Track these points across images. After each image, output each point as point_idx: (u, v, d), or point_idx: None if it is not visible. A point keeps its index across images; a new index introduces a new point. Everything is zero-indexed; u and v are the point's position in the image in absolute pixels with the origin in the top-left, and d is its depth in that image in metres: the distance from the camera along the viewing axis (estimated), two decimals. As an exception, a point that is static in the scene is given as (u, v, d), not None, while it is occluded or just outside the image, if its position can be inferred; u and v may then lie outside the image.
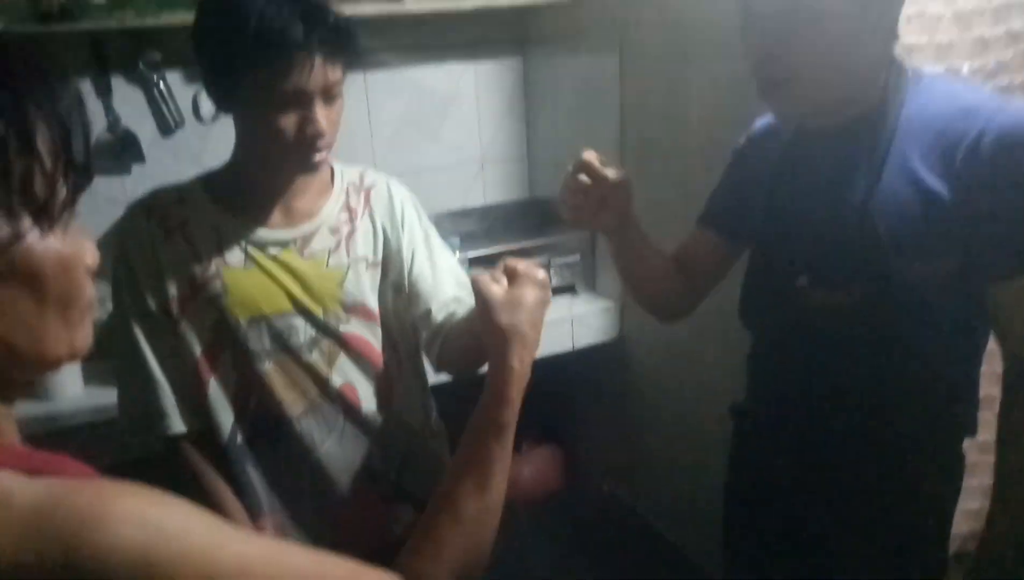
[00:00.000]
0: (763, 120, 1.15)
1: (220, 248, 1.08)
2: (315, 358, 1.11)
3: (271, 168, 1.07)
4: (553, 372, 1.99)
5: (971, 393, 1.04)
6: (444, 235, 1.96)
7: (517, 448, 2.11)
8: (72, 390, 1.65)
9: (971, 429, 1.05)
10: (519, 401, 0.74)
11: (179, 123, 1.92)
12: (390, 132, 2.16)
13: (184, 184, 1.12)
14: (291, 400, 1.10)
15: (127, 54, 1.84)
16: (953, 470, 1.08)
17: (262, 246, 1.09)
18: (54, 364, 0.55)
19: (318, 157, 1.03)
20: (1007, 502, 0.92)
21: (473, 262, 1.93)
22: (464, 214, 2.26)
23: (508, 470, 0.72)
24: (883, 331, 0.96)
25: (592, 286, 2.12)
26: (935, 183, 0.90)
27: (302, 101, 0.98)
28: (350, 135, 2.16)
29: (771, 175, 1.08)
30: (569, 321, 1.98)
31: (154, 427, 1.09)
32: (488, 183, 2.34)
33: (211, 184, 1.11)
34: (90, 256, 0.55)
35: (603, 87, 1.90)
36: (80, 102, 0.54)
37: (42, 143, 0.49)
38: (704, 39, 1.58)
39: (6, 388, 0.55)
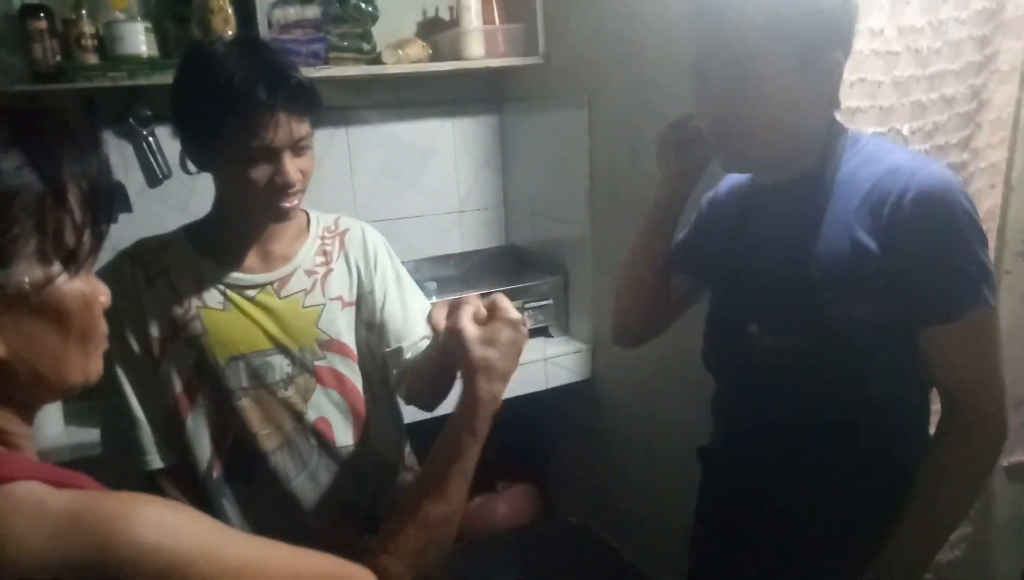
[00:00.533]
0: (726, 179, 1.22)
1: (200, 291, 1.14)
2: (291, 394, 1.17)
3: (247, 217, 1.13)
4: (528, 410, 2.06)
5: (920, 421, 1.09)
6: (422, 280, 2.05)
7: (493, 487, 2.16)
8: (53, 429, 1.70)
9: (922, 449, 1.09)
10: (485, 429, 0.78)
11: (166, 174, 1.99)
12: (371, 183, 2.24)
13: (168, 233, 1.19)
14: (266, 435, 1.15)
15: (117, 109, 1.91)
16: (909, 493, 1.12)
17: (240, 289, 1.15)
18: (72, 389, 0.61)
19: (288, 205, 1.10)
20: (915, 524, 1.00)
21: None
22: (442, 260, 2.33)
23: (467, 484, 0.77)
24: (825, 373, 1.01)
25: (565, 329, 2.19)
26: (865, 237, 0.97)
27: (271, 155, 1.05)
28: (333, 186, 2.26)
29: (728, 226, 1.15)
30: (543, 362, 2.05)
31: (135, 462, 1.13)
32: (465, 231, 2.42)
33: (193, 233, 1.18)
34: (104, 296, 0.62)
35: (573, 141, 1.99)
36: (106, 162, 0.61)
37: (73, 198, 0.56)
38: (667, 96, 1.68)
39: (28, 410, 0.61)
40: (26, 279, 0.54)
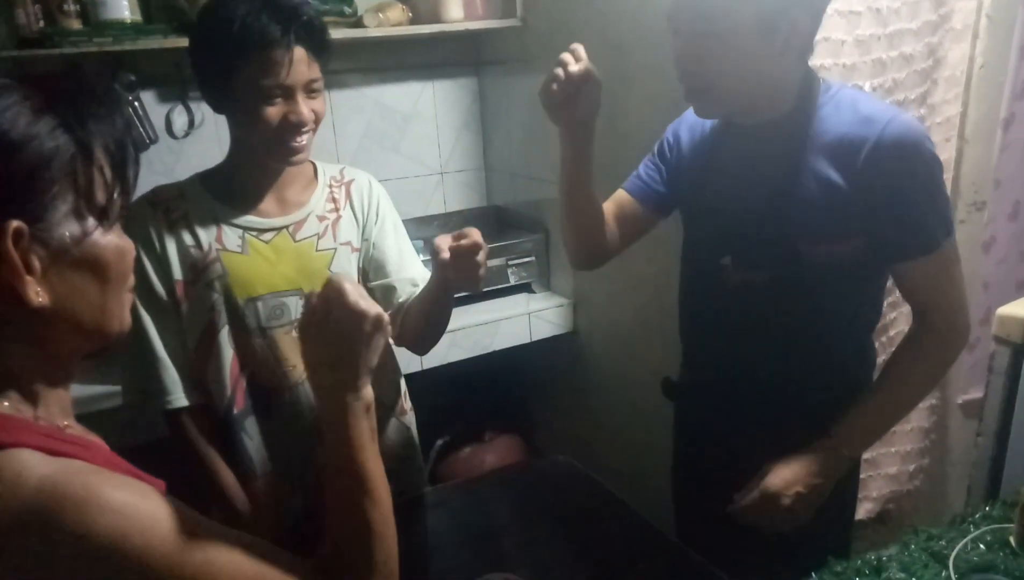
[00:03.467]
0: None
1: (219, 236, 1.19)
2: None
3: (261, 160, 1.19)
4: (513, 362, 2.15)
5: (868, 354, 1.22)
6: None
7: (481, 438, 2.26)
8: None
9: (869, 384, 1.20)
10: (342, 419, 0.70)
11: (153, 139, 2.01)
12: (354, 146, 2.29)
13: (183, 181, 1.24)
14: (283, 372, 1.22)
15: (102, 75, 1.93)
16: None
17: (258, 232, 1.21)
18: (110, 337, 0.66)
19: (299, 144, 1.14)
20: (880, 398, 1.14)
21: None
22: (426, 221, 2.39)
23: (362, 469, 0.71)
24: (793, 305, 1.11)
25: (547, 285, 2.28)
26: (838, 178, 1.05)
27: (285, 93, 1.10)
28: (317, 149, 2.30)
29: (700, 162, 1.21)
30: (526, 316, 2.13)
31: (157, 402, 1.19)
32: (448, 192, 2.48)
33: (208, 180, 1.23)
34: (132, 248, 0.67)
35: (552, 103, 2.05)
36: (129, 123, 0.66)
37: (102, 157, 0.60)
38: (641, 60, 1.74)
39: (64, 366, 0.65)
40: (67, 233, 0.58)
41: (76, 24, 1.77)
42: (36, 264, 0.57)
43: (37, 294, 0.57)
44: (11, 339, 0.60)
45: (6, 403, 0.60)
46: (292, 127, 1.12)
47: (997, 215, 1.94)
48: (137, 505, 0.57)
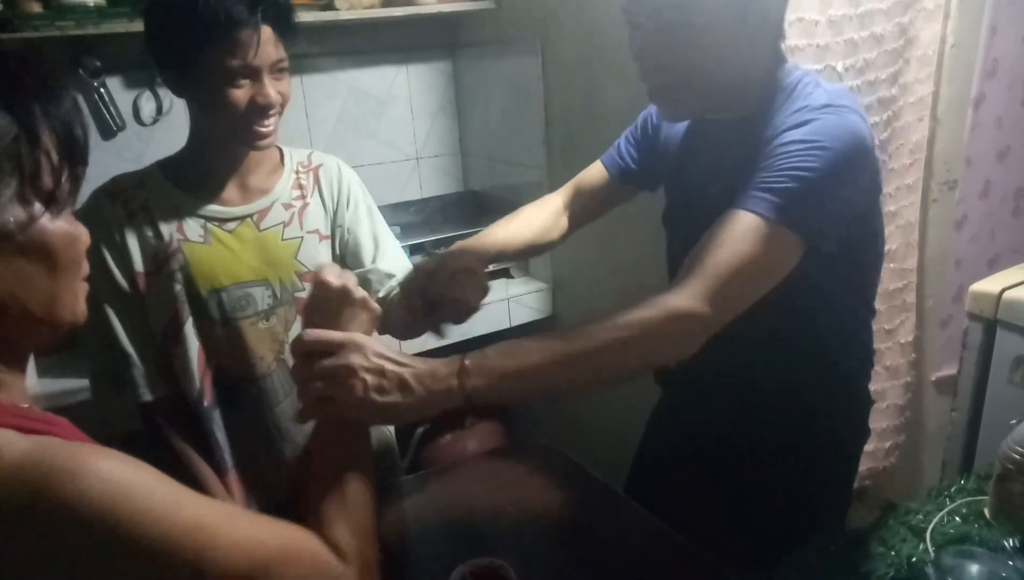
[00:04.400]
0: None
1: (180, 225, 1.15)
2: (272, 323, 1.20)
3: (224, 145, 1.15)
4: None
5: (863, 340, 1.16)
6: (385, 226, 2.08)
7: (462, 424, 2.25)
8: (28, 381, 1.70)
9: (867, 373, 1.18)
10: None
11: (120, 126, 1.97)
12: (328, 131, 2.25)
13: (142, 170, 1.19)
14: (250, 363, 1.19)
15: (66, 60, 1.87)
16: (857, 411, 1.18)
17: (220, 221, 1.17)
18: (62, 326, 0.63)
19: (266, 129, 1.10)
20: None
21: (413, 249, 2.06)
22: (403, 206, 2.37)
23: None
24: (771, 298, 1.01)
25: (526, 270, 2.27)
26: None
27: (251, 75, 1.06)
28: (290, 135, 2.26)
29: (675, 157, 1.17)
30: (506, 301, 2.13)
31: (125, 395, 1.16)
32: (424, 177, 2.45)
33: (168, 168, 1.19)
34: (85, 236, 0.64)
35: (528, 87, 2.03)
36: (77, 105, 0.62)
37: (48, 141, 0.58)
38: (619, 42, 1.71)
39: (19, 354, 0.64)
40: (11, 219, 0.56)
41: (37, 7, 1.72)
42: None
43: None
44: None
45: None
46: (259, 110, 1.08)
47: (968, 194, 1.97)
48: (125, 471, 0.56)
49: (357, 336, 0.79)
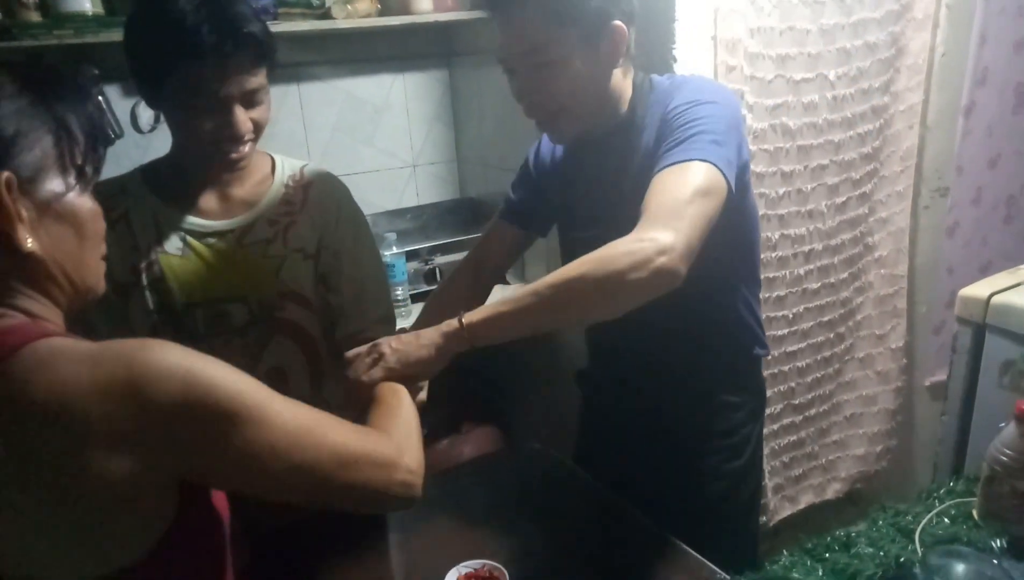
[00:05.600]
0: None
1: (159, 236, 1.12)
2: (248, 341, 1.16)
3: (199, 163, 1.12)
4: (489, 352, 2.14)
5: (748, 321, 1.24)
6: (381, 233, 2.10)
7: (458, 429, 2.26)
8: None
9: (761, 346, 1.27)
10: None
11: (118, 134, 1.97)
12: (326, 139, 2.26)
13: (125, 175, 1.16)
14: None
15: (64, 69, 1.89)
16: (751, 386, 1.29)
17: (200, 235, 1.13)
18: (89, 291, 0.74)
19: (237, 155, 1.08)
20: None
21: (410, 255, 2.07)
22: (399, 213, 2.38)
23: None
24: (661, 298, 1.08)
25: (521, 276, 2.28)
26: (655, 148, 1.07)
27: (219, 105, 1.02)
28: (287, 143, 2.27)
29: (560, 179, 1.26)
30: (501, 309, 2.14)
31: None
32: (420, 185, 2.47)
33: (151, 175, 1.16)
34: (102, 214, 0.75)
35: (523, 94, 2.06)
36: (99, 102, 0.76)
37: (76, 128, 0.70)
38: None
39: (55, 308, 0.72)
40: (50, 189, 0.68)
41: (35, 17, 1.73)
42: (24, 213, 0.65)
43: (27, 239, 0.65)
44: (15, 280, 0.68)
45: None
46: (228, 139, 1.06)
47: (960, 200, 1.99)
48: (195, 353, 0.67)
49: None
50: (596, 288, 0.94)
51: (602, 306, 0.97)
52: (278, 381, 1.19)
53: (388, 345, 1.02)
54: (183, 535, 0.68)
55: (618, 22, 1.06)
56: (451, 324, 1.00)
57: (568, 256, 1.28)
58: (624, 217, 1.06)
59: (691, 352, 1.21)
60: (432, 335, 1.01)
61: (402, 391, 0.97)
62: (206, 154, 1.08)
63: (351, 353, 1.04)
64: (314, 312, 1.22)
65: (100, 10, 1.80)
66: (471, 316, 0.99)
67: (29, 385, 0.61)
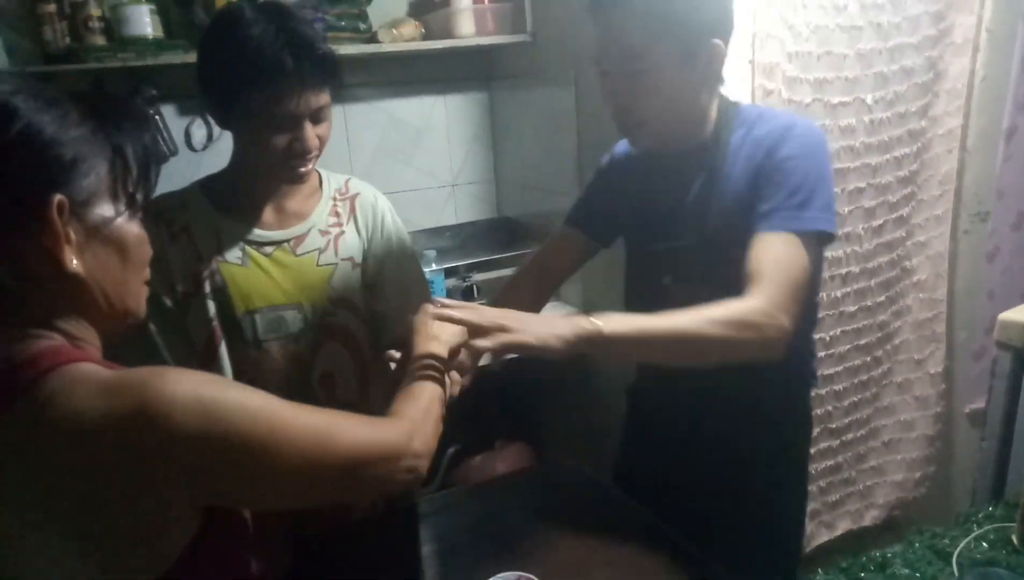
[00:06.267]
0: (623, 144, 1.32)
1: (220, 247, 1.19)
2: (302, 347, 1.22)
3: (263, 177, 1.19)
4: (522, 372, 2.17)
5: (804, 352, 1.23)
6: (420, 250, 2.15)
7: (491, 446, 2.28)
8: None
9: (812, 376, 1.27)
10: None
11: (173, 152, 2.06)
12: (368, 159, 2.34)
13: (184, 189, 1.23)
14: (278, 383, 1.20)
15: (124, 89, 1.97)
16: (803, 416, 1.29)
17: (258, 245, 1.20)
18: (128, 315, 0.75)
19: (304, 169, 1.15)
20: None
21: (448, 273, 2.11)
22: (438, 232, 2.43)
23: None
24: None
25: (557, 294, 2.31)
26: (746, 180, 1.10)
27: (292, 122, 1.10)
28: (331, 162, 2.34)
29: (634, 192, 1.26)
30: (536, 326, 2.16)
31: None
32: (459, 204, 2.52)
33: (209, 189, 1.23)
34: (148, 241, 0.76)
35: (561, 116, 2.08)
36: (155, 132, 0.76)
37: (131, 157, 0.72)
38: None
39: (95, 328, 0.73)
40: (100, 214, 0.69)
41: (100, 40, 1.83)
42: (73, 236, 0.67)
43: (71, 261, 0.67)
44: (58, 301, 0.69)
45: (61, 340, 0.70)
46: (298, 154, 1.12)
47: (1000, 225, 1.97)
48: (211, 379, 0.69)
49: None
50: (719, 348, 1.00)
51: (710, 361, 1.02)
52: (328, 386, 1.25)
53: (516, 317, 0.97)
54: (206, 548, 0.69)
55: (718, 41, 1.07)
56: (585, 326, 0.96)
57: (636, 269, 1.30)
58: (701, 237, 1.11)
59: (747, 379, 1.16)
60: (563, 329, 0.95)
61: (435, 370, 0.96)
62: (275, 168, 1.15)
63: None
64: (362, 319, 1.28)
65: (160, 34, 1.90)
66: (613, 326, 0.97)
67: (48, 410, 0.62)
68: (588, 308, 2.21)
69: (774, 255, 1.03)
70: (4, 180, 0.64)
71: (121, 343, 0.77)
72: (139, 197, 0.73)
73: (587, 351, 0.98)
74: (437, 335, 0.99)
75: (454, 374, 1.02)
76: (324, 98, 1.13)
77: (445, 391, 0.96)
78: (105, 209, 0.69)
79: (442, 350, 0.97)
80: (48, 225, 0.65)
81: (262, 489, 0.70)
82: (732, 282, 1.10)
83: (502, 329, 0.94)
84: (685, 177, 1.17)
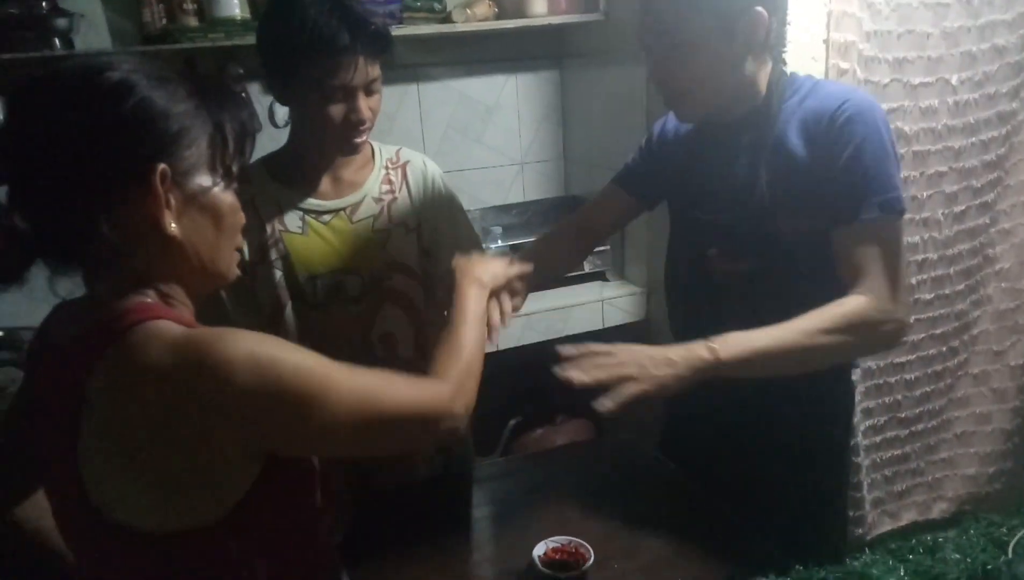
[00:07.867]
0: None
1: (282, 218, 1.27)
2: (362, 309, 1.30)
3: (320, 149, 1.26)
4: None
5: None
6: (487, 227, 2.19)
7: (552, 421, 2.33)
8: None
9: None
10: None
11: (257, 128, 2.16)
12: (440, 136, 2.39)
13: (249, 165, 1.27)
14: (340, 345, 1.22)
15: (213, 68, 2.08)
16: (843, 395, 1.29)
17: (317, 214, 1.28)
18: (220, 277, 0.81)
19: (359, 140, 1.22)
20: None
21: (514, 249, 2.15)
22: (505, 209, 2.47)
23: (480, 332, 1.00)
24: (775, 293, 1.13)
25: (621, 274, 2.32)
26: (801, 153, 1.09)
27: (347, 94, 1.16)
28: (405, 139, 2.41)
29: (682, 157, 1.27)
30: (600, 303, 2.19)
31: None
32: (527, 182, 2.55)
33: (270, 164, 1.30)
34: (241, 209, 0.81)
35: (631, 96, 2.09)
36: (252, 109, 0.83)
37: (229, 133, 0.78)
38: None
39: (188, 290, 0.80)
40: (199, 183, 0.75)
41: (194, 21, 1.94)
42: (173, 202, 0.73)
43: (170, 225, 0.73)
44: (156, 261, 0.75)
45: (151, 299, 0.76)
46: (353, 125, 1.19)
47: (1096, 212, 1.86)
48: (269, 338, 0.73)
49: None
50: (839, 354, 1.07)
51: (835, 362, 1.10)
52: (388, 346, 1.33)
53: (638, 364, 1.01)
54: (269, 492, 0.74)
55: (760, 8, 1.07)
56: (701, 357, 1.00)
57: (682, 234, 1.31)
58: (752, 205, 1.12)
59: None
60: (681, 368, 1.00)
61: (476, 320, 1.00)
62: (331, 139, 1.22)
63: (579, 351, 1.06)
64: (419, 282, 1.35)
65: (247, 15, 1.99)
66: (727, 351, 1.00)
67: (129, 360, 0.69)
68: (651, 288, 2.21)
69: (869, 246, 1.05)
70: (117, 147, 0.70)
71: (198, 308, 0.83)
72: (235, 169, 0.79)
73: (709, 377, 1.01)
74: (480, 277, 1.05)
75: (494, 319, 1.09)
76: (376, 71, 1.19)
77: (488, 335, 1.02)
78: (203, 179, 0.75)
79: (484, 292, 1.04)
80: (151, 190, 0.71)
81: (310, 442, 0.76)
82: (775, 262, 1.12)
83: (626, 378, 1.00)
84: (734, 145, 1.17)
